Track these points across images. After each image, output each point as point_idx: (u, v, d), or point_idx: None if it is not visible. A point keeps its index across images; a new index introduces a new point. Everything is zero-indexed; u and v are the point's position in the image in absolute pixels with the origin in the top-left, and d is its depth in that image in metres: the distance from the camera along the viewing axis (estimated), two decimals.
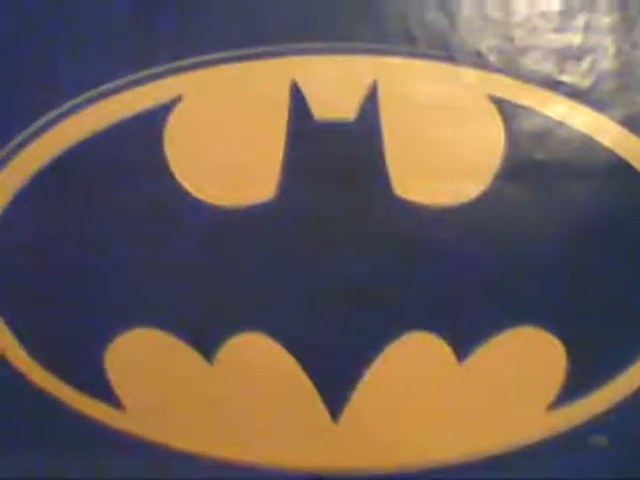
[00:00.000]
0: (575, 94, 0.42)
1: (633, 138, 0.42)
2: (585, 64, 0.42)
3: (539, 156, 0.42)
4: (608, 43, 0.42)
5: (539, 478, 0.44)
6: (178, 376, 0.43)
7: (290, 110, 0.42)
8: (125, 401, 0.43)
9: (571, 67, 0.42)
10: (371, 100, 0.42)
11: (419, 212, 0.42)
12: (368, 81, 0.42)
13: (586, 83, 0.42)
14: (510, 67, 0.42)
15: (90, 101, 0.42)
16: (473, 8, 0.42)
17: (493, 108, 0.42)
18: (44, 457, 0.44)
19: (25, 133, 0.42)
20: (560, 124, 0.42)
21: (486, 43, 0.42)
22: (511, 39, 0.42)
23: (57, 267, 0.43)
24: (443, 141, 0.42)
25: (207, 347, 0.43)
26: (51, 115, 0.42)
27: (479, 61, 0.42)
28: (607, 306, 0.43)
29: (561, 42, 0.42)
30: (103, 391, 0.43)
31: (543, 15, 0.42)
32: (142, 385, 0.43)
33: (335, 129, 0.42)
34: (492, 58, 0.42)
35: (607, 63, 0.42)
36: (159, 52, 0.42)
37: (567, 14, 0.42)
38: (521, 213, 0.42)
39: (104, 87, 0.42)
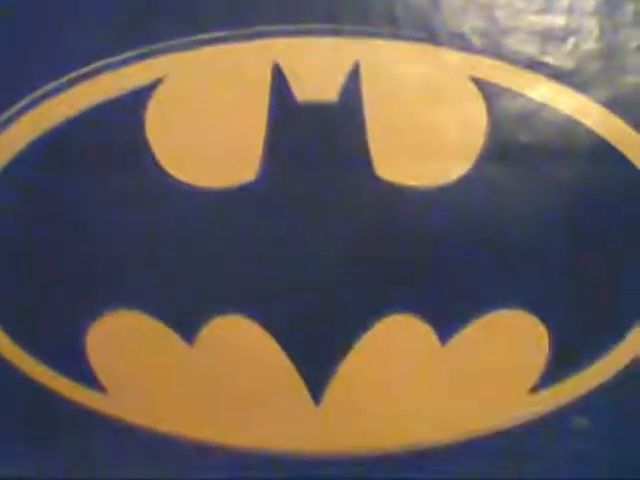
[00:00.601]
0: (558, 76, 0.42)
1: (616, 120, 0.42)
2: (568, 46, 0.42)
3: (522, 138, 0.42)
4: (591, 25, 0.42)
5: (521, 460, 0.44)
6: (159, 358, 0.43)
7: (272, 91, 0.42)
8: (107, 384, 0.43)
9: (554, 49, 0.42)
10: (353, 81, 0.42)
11: (401, 193, 0.42)
12: (350, 62, 0.42)
13: (569, 65, 0.42)
14: (493, 48, 0.42)
15: (71, 82, 0.42)
16: None
17: (476, 89, 0.42)
18: (27, 442, 0.44)
19: (5, 115, 0.42)
20: (543, 106, 0.42)
21: (469, 24, 0.42)
22: (494, 20, 0.42)
23: (37, 248, 0.42)
24: (426, 122, 0.42)
25: (188, 329, 0.43)
26: (32, 97, 0.42)
27: (462, 42, 0.42)
28: (590, 288, 0.43)
29: (544, 23, 0.42)
30: (85, 374, 0.43)
31: None
32: (123, 367, 0.43)
33: (317, 110, 0.42)
34: (475, 39, 0.42)
35: (590, 45, 0.42)
36: (140, 33, 0.42)
37: None
38: (504, 194, 0.42)
39: (85, 69, 0.42)
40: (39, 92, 0.42)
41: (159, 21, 0.42)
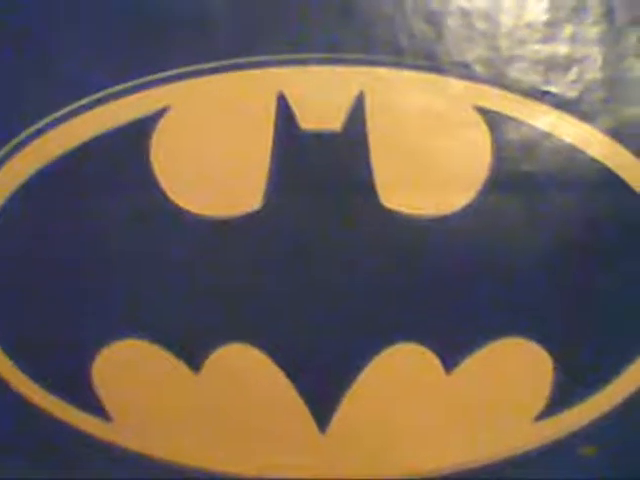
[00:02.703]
0: (562, 105, 0.42)
1: (620, 149, 0.42)
2: (572, 75, 0.42)
3: (525, 167, 0.42)
4: (595, 54, 0.42)
5: None
6: (165, 387, 0.43)
7: (277, 121, 0.42)
8: (112, 413, 0.43)
9: (558, 78, 0.42)
10: (358, 111, 0.42)
11: (405, 223, 0.42)
12: (355, 92, 0.42)
13: (573, 94, 0.42)
14: (496, 78, 0.42)
15: (78, 111, 0.42)
16: (459, 19, 0.42)
17: (479, 119, 0.42)
18: (30, 470, 0.44)
19: (13, 142, 0.42)
20: (547, 135, 0.42)
21: (472, 54, 0.42)
22: (497, 49, 0.42)
23: (43, 278, 0.43)
24: (430, 152, 0.42)
25: (194, 358, 0.43)
26: (39, 125, 0.42)
27: (465, 72, 0.42)
28: (593, 317, 0.43)
29: (548, 52, 0.42)
30: (90, 402, 0.43)
31: (530, 25, 0.42)
32: (129, 396, 0.43)
33: (322, 140, 0.42)
34: (478, 69, 0.42)
35: (594, 74, 0.42)
36: (147, 62, 0.42)
37: (554, 25, 0.42)
38: (508, 224, 0.42)
39: (92, 97, 0.42)
40: (46, 120, 0.42)
41: (164, 50, 0.42)
